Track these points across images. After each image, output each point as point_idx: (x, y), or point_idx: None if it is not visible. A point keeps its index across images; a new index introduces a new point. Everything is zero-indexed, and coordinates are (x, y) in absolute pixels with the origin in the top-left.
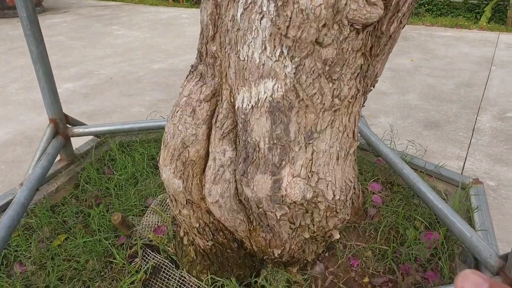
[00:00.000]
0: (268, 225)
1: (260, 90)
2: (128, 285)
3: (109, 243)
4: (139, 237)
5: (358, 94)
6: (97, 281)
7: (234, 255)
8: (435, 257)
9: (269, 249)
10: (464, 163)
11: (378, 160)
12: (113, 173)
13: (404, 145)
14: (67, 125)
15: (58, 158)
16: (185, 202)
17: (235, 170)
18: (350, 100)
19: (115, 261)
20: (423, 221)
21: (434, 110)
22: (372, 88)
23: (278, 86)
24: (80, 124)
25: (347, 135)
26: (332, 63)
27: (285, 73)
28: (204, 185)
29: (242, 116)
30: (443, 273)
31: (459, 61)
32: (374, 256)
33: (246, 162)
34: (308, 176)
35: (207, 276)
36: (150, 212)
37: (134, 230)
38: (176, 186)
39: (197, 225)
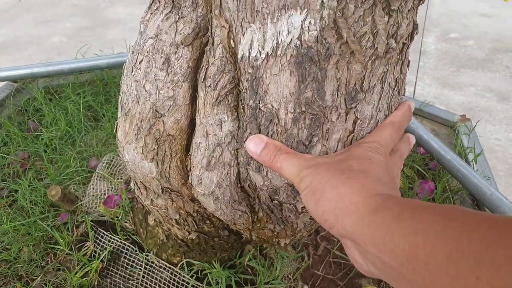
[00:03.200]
0: (281, 218)
1: (281, 28)
2: (79, 279)
3: (47, 225)
4: (87, 213)
5: (415, 32)
6: (38, 276)
7: (222, 242)
8: None
9: (275, 239)
10: (415, 88)
11: None
12: (41, 129)
13: None
14: None
15: None
16: (160, 191)
17: (237, 149)
18: (405, 42)
19: (58, 247)
20: (419, 168)
21: None
22: None
23: (310, 22)
24: None
25: (398, 92)
26: None
27: (322, 1)
28: (189, 169)
29: (250, 71)
30: None
31: None
32: None
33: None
34: None
35: (182, 259)
36: (96, 179)
37: (79, 204)
38: (146, 171)
39: (177, 216)
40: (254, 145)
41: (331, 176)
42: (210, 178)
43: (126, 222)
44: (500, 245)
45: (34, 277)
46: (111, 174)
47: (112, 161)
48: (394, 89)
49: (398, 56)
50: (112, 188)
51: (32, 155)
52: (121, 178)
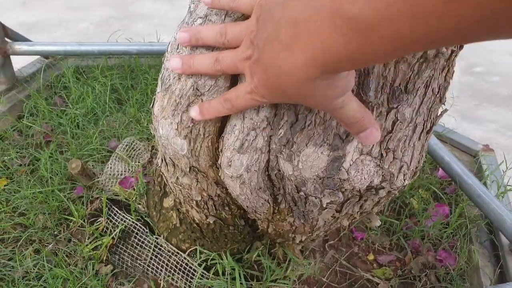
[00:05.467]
0: (303, 212)
1: None
2: (90, 251)
3: (64, 195)
4: (102, 190)
5: None
6: (50, 243)
7: (235, 232)
8: (442, 233)
9: (291, 234)
10: None
11: None
12: (67, 105)
13: None
14: (6, 39)
15: None
16: (187, 169)
17: (271, 136)
18: (454, 49)
19: (71, 218)
20: (436, 190)
21: None
22: None
23: None
24: (23, 39)
25: (440, 100)
26: None
27: None
28: (220, 150)
29: None
30: (458, 254)
31: None
32: (380, 230)
33: (294, 127)
34: (382, 154)
35: (191, 246)
36: (114, 159)
37: (96, 180)
38: (178, 148)
39: (199, 198)
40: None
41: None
42: (240, 161)
43: (139, 204)
44: None
45: (46, 244)
46: (129, 156)
47: (131, 144)
48: (436, 95)
49: (445, 63)
50: (129, 170)
51: (56, 129)
52: (139, 162)
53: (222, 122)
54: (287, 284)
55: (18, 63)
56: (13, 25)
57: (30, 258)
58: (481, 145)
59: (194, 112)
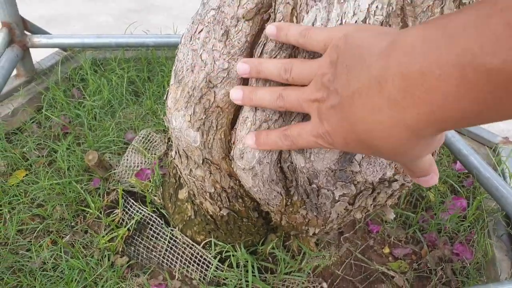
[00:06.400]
0: (316, 204)
1: (346, 10)
2: (106, 243)
3: (80, 187)
4: (119, 182)
5: None
6: (67, 234)
7: (249, 224)
8: (459, 226)
9: (304, 227)
10: None
11: None
12: (84, 97)
13: None
14: (25, 32)
15: (14, 73)
16: (200, 161)
17: None
18: None
19: (88, 209)
20: (453, 183)
21: None
22: None
23: (377, 7)
24: (42, 32)
25: None
26: None
27: None
28: (233, 142)
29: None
30: (474, 247)
31: None
32: (396, 223)
33: (306, 119)
34: None
35: (206, 238)
36: (131, 151)
37: (112, 172)
38: (191, 140)
39: (212, 190)
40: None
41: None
42: (253, 153)
43: (155, 196)
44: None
45: (63, 235)
46: (146, 148)
47: (148, 136)
48: None
49: None
50: (145, 162)
51: (73, 121)
52: (155, 154)
53: (234, 115)
54: (302, 276)
55: (37, 56)
56: (32, 18)
57: (47, 249)
58: (501, 137)
59: (250, 140)
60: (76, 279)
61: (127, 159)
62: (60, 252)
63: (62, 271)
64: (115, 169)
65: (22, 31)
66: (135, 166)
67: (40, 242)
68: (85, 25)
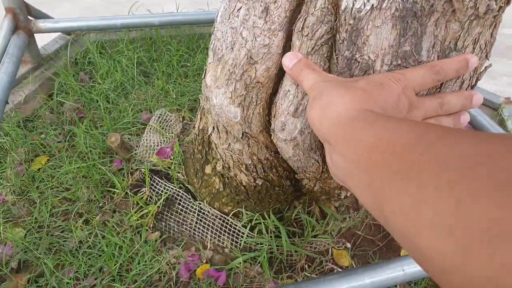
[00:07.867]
0: None
1: None
2: (137, 219)
3: (105, 169)
4: (143, 162)
5: None
6: (97, 215)
7: (279, 192)
8: None
9: (337, 191)
10: None
11: None
12: (94, 80)
13: None
14: (29, 17)
15: None
16: (240, 136)
17: None
18: (502, 5)
19: (114, 190)
20: None
21: None
22: None
23: None
24: (45, 16)
25: (486, 56)
26: None
27: None
28: (273, 116)
29: (351, 22)
30: None
31: None
32: None
33: None
34: None
35: (233, 209)
36: (149, 131)
37: (134, 152)
38: (231, 116)
39: (249, 161)
40: (289, 60)
41: (332, 88)
42: (295, 124)
43: (179, 173)
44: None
45: (93, 216)
46: (162, 128)
47: (163, 116)
48: (483, 51)
49: (493, 19)
50: (164, 141)
51: (86, 105)
52: (172, 133)
53: (273, 89)
54: (328, 238)
55: (40, 41)
56: None
57: (83, 229)
58: (503, 98)
59: None
60: (115, 255)
61: (146, 139)
62: (95, 230)
63: (99, 248)
64: (136, 150)
65: (26, 16)
66: (154, 145)
67: (72, 223)
68: (72, 7)
